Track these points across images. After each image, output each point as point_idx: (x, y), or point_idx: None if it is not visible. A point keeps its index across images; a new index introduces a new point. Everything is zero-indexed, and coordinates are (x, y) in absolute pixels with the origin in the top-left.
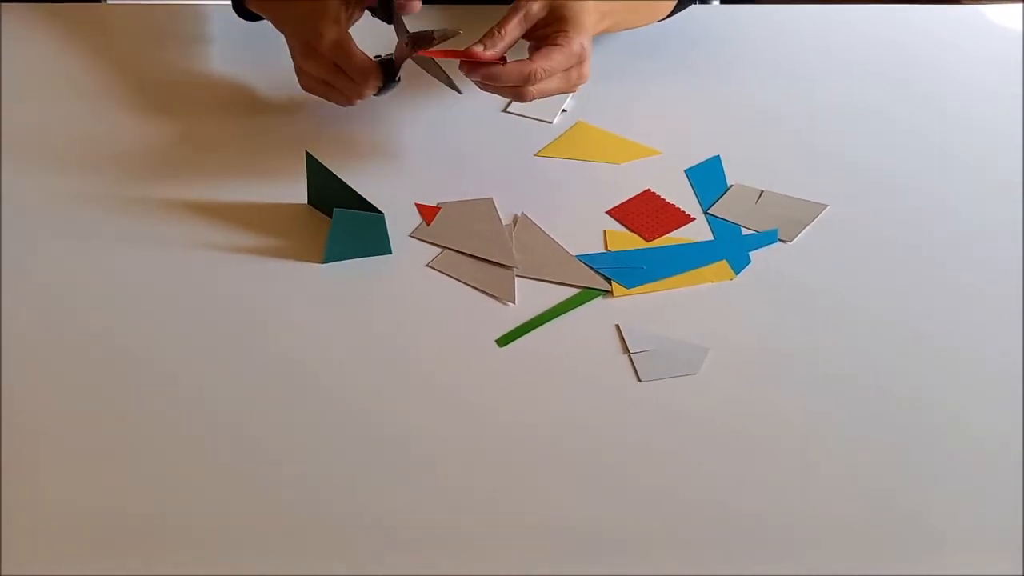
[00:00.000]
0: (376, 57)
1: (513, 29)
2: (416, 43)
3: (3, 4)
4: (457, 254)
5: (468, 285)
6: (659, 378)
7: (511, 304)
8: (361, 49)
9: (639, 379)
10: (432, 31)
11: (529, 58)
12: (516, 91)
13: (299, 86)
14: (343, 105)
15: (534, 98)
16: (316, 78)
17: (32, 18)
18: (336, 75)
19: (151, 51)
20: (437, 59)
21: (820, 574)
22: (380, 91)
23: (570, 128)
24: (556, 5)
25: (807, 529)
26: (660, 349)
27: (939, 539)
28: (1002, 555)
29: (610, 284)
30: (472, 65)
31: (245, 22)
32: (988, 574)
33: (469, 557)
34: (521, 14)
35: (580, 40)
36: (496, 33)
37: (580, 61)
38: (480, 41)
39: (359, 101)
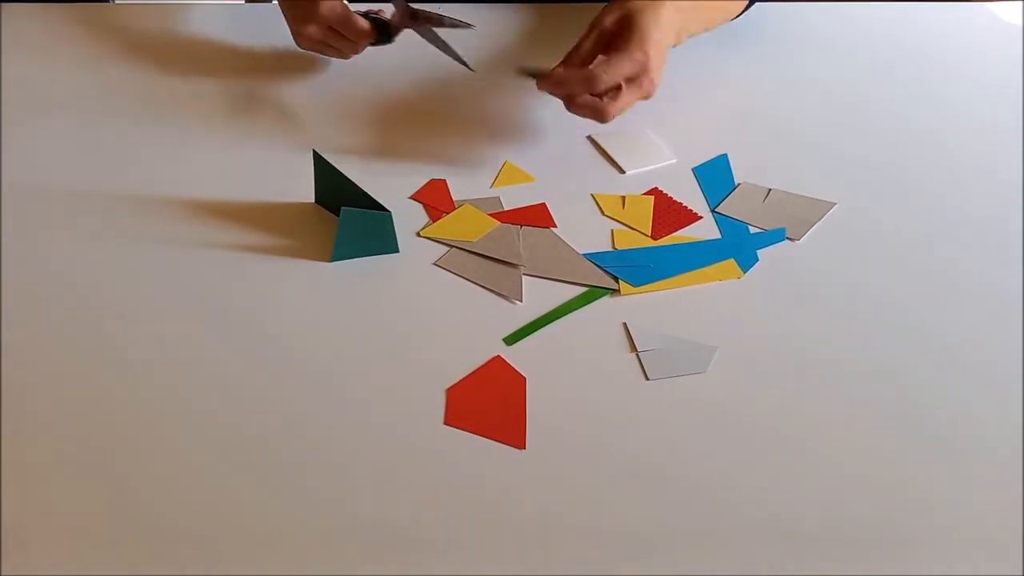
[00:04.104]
0: (368, 14)
1: (589, 46)
2: (420, 18)
3: (3, 4)
4: (464, 252)
5: (475, 284)
6: (667, 377)
7: (518, 303)
8: (349, 7)
9: (647, 378)
10: (441, 15)
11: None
12: (595, 109)
13: (322, 66)
14: (340, 58)
15: (613, 115)
16: (313, 40)
17: (34, 18)
18: (333, 36)
19: (155, 50)
20: (442, 36)
21: (821, 573)
22: (373, 43)
23: None
24: (626, 18)
25: (810, 527)
26: (668, 348)
27: (939, 538)
28: (1002, 555)
29: (617, 283)
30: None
31: (249, 23)
32: (988, 574)
33: (471, 556)
34: (597, 31)
35: (643, 49)
36: (574, 53)
37: (644, 70)
38: (561, 63)
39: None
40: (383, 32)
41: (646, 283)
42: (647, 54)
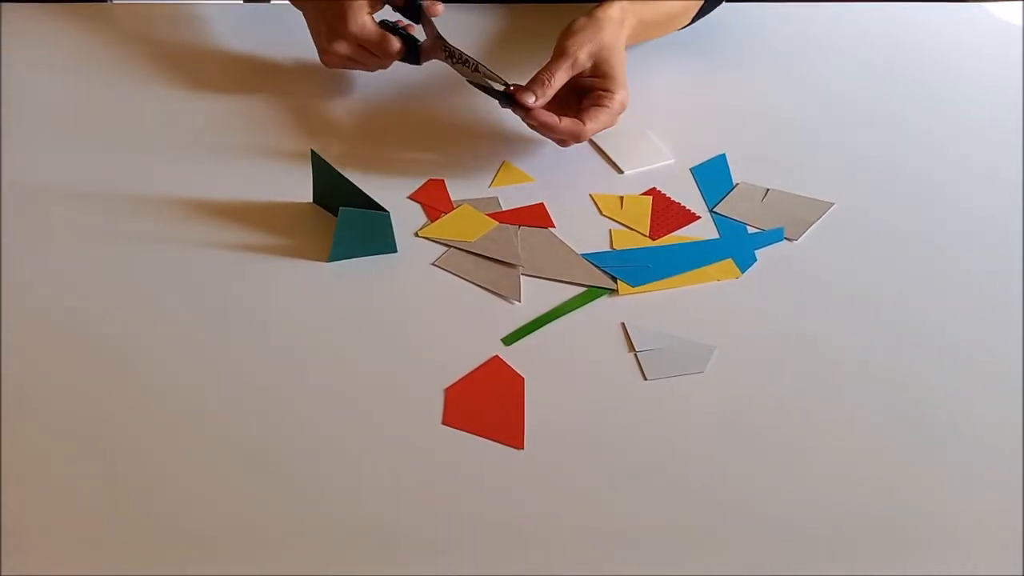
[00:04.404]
0: (396, 29)
1: (560, 77)
2: (455, 59)
3: (3, 4)
4: (463, 252)
5: (474, 284)
6: (665, 377)
7: (517, 303)
8: (375, 21)
9: (645, 378)
10: (477, 62)
11: (581, 119)
12: (562, 141)
13: (320, 66)
14: (364, 71)
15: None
16: (341, 56)
17: (34, 18)
18: (361, 53)
19: (154, 51)
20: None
21: (821, 573)
22: (400, 60)
23: None
24: (601, 58)
25: (810, 527)
26: (666, 348)
27: (939, 538)
28: (1002, 555)
29: (615, 283)
30: (526, 110)
31: (248, 23)
32: (988, 574)
33: (469, 556)
34: (569, 63)
35: (620, 98)
36: (545, 82)
37: (618, 113)
38: (530, 89)
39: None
40: (412, 50)
41: (644, 283)
42: (623, 103)
